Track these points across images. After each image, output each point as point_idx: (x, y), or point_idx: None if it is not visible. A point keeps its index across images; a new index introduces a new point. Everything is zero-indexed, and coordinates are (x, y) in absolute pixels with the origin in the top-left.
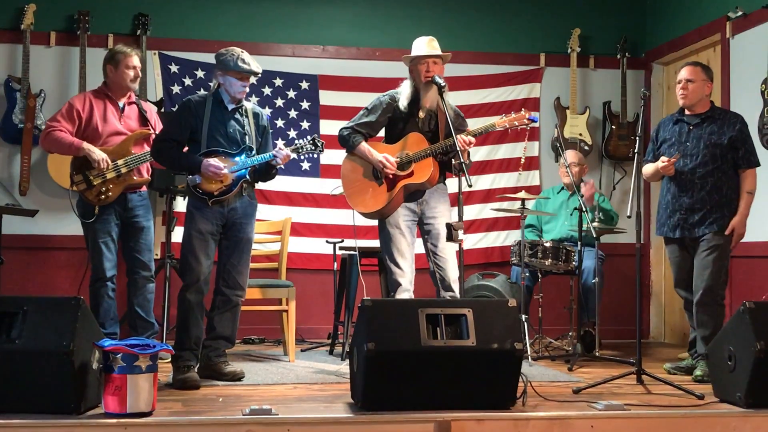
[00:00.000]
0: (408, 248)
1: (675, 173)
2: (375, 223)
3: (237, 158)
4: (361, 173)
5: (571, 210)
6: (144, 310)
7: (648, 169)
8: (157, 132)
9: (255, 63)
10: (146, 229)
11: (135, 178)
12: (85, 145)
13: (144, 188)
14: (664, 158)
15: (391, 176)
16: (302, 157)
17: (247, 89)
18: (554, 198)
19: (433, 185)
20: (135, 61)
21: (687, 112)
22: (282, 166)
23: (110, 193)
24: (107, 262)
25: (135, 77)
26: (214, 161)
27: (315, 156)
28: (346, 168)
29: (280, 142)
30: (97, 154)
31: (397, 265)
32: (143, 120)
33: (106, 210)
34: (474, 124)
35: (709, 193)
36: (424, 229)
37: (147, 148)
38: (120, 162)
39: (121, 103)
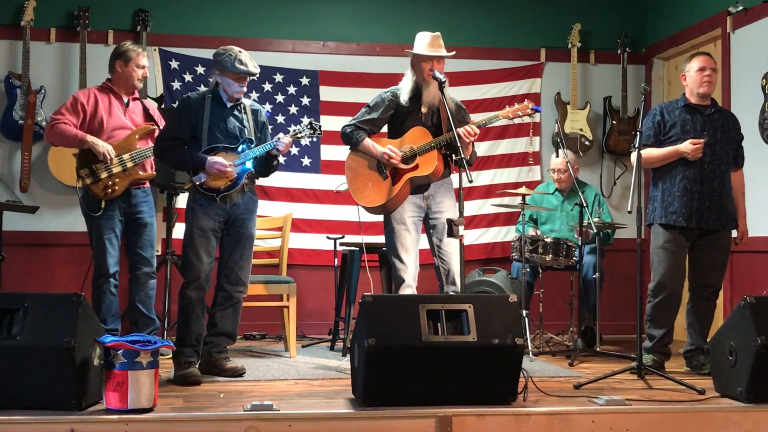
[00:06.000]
0: (413, 244)
1: (696, 161)
2: (376, 218)
3: (239, 151)
4: (366, 168)
5: (567, 212)
6: (145, 306)
7: (657, 152)
8: (161, 127)
9: (253, 63)
10: (149, 225)
11: (140, 173)
12: (89, 137)
13: (147, 184)
14: (692, 140)
15: (396, 167)
16: (302, 144)
17: (245, 89)
18: (550, 196)
19: (438, 178)
20: (144, 60)
21: (694, 101)
22: (282, 161)
23: (116, 187)
24: (110, 259)
25: (142, 77)
26: (218, 159)
27: (314, 140)
28: (351, 164)
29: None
30: (101, 145)
31: (401, 260)
32: (147, 115)
33: (111, 206)
34: (475, 119)
35: (723, 187)
36: (429, 224)
37: (151, 144)
38: (125, 156)
39: (125, 99)
